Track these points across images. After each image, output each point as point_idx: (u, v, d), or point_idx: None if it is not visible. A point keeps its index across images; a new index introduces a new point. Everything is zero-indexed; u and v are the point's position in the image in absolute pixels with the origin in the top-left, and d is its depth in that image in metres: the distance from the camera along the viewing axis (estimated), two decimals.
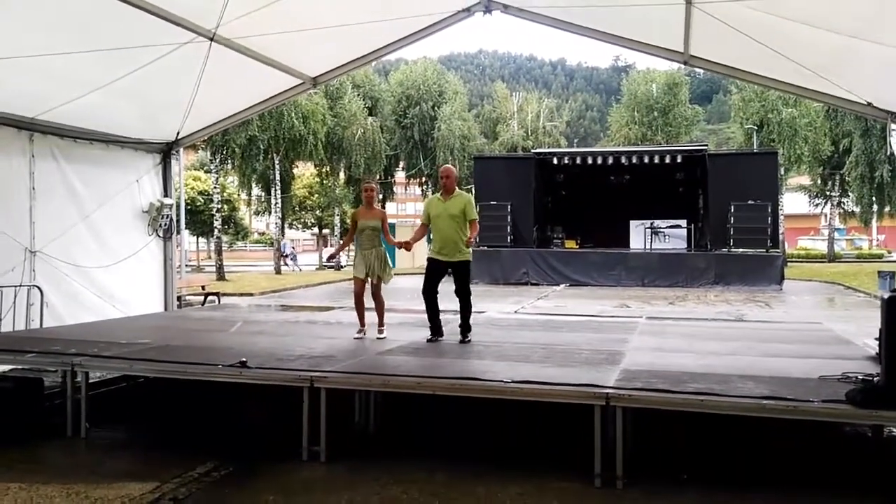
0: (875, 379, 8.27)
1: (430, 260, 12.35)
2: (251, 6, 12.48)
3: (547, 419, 10.10)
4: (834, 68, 12.79)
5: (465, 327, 12.37)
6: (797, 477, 8.66)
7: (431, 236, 12.49)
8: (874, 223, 72.09)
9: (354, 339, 12.53)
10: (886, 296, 7.97)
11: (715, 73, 18.78)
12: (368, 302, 12.80)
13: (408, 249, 12.51)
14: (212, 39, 13.27)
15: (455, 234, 12.07)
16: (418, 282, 12.33)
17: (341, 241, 14.43)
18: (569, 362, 10.42)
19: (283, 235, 59.90)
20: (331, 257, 18.45)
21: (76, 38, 12.19)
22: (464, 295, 12.31)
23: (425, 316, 12.36)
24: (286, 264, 61.69)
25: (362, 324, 12.85)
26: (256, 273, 56.23)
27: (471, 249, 12.34)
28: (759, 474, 8.74)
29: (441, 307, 12.37)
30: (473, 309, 12.54)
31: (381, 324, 12.83)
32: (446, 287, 12.13)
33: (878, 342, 9.20)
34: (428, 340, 12.21)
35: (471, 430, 10.48)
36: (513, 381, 8.91)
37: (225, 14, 12.34)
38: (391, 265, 13.06)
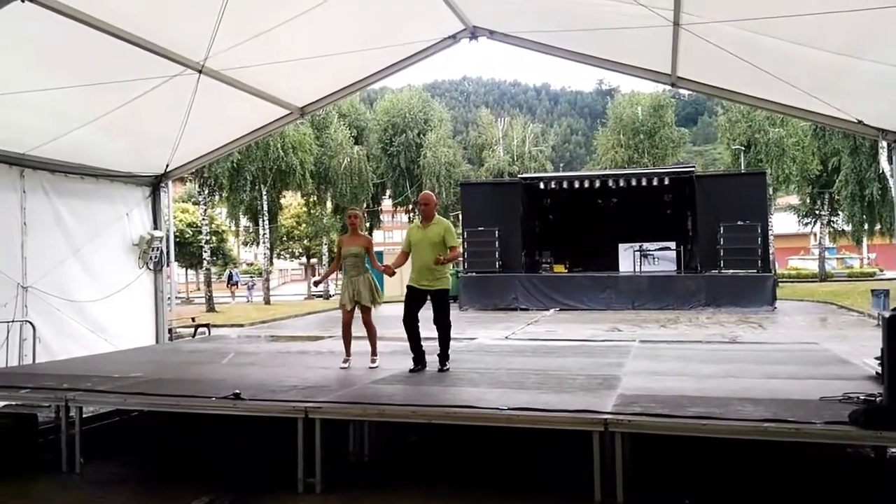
0: (878, 399, 8.24)
1: (408, 288, 12.29)
2: (239, 38, 12.50)
3: (544, 446, 10.03)
4: (824, 86, 12.79)
5: (444, 356, 12.24)
6: (799, 499, 8.61)
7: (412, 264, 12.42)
8: (865, 241, 72.16)
9: (340, 368, 12.45)
10: (888, 315, 7.92)
11: (702, 94, 18.81)
12: (357, 331, 12.74)
13: (390, 274, 12.46)
14: (200, 71, 13.27)
15: (433, 262, 12.00)
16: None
17: (328, 269, 14.36)
18: (564, 388, 10.38)
19: (267, 265, 59.59)
20: (316, 283, 18.27)
21: (65, 73, 12.20)
22: (442, 324, 12.21)
23: None
24: (233, 295, 61.10)
25: (348, 353, 12.76)
26: (245, 303, 56.16)
27: (449, 277, 12.30)
28: (761, 497, 8.69)
29: (423, 335, 12.27)
30: (464, 335, 12.48)
31: (373, 353, 12.73)
32: (427, 314, 12.08)
33: (878, 361, 9.17)
34: (411, 371, 12.04)
35: (467, 458, 10.40)
36: (508, 409, 8.86)
37: (213, 46, 12.33)
38: (380, 290, 13.01)
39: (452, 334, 12.31)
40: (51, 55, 11.74)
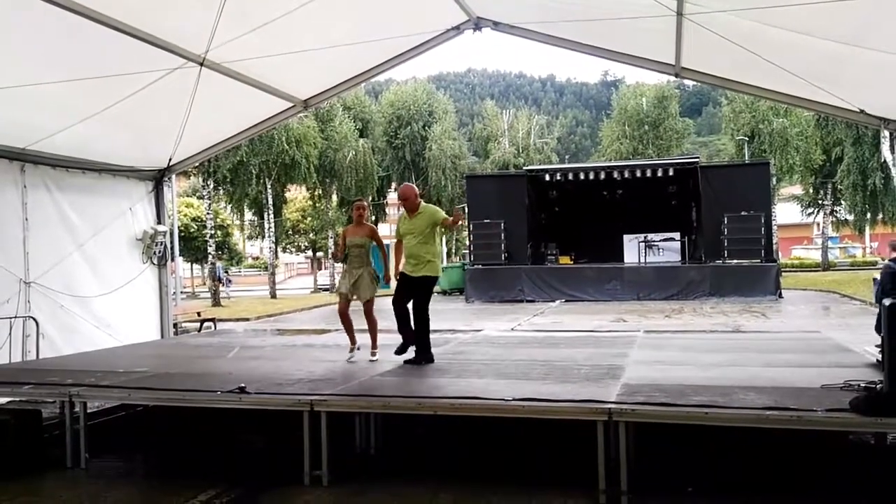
0: (878, 386, 8.24)
1: (400, 275, 12.27)
2: (240, 30, 12.47)
3: (549, 436, 10.05)
4: (826, 76, 12.77)
5: (420, 346, 12.12)
6: (802, 487, 8.63)
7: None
8: (867, 231, 72.13)
9: (348, 361, 12.37)
10: (888, 303, 7.93)
11: (706, 85, 18.79)
12: (358, 324, 12.68)
13: (387, 281, 12.48)
14: (202, 64, 13.25)
15: (420, 249, 12.01)
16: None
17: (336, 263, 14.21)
18: (569, 378, 10.38)
19: (272, 259, 59.30)
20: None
21: (65, 66, 12.17)
22: (418, 310, 12.07)
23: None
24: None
25: (353, 341, 12.67)
26: (251, 297, 56.16)
27: (436, 264, 12.23)
28: (765, 485, 8.70)
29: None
30: (471, 326, 12.41)
31: (374, 346, 12.58)
32: (435, 307, 12.05)
33: (879, 349, 9.17)
34: (396, 352, 12.08)
35: (473, 449, 10.42)
36: (514, 399, 8.86)
37: (214, 38, 12.32)
38: (380, 281, 12.89)
39: (459, 325, 12.31)
40: (50, 48, 11.69)
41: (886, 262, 18.40)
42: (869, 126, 16.67)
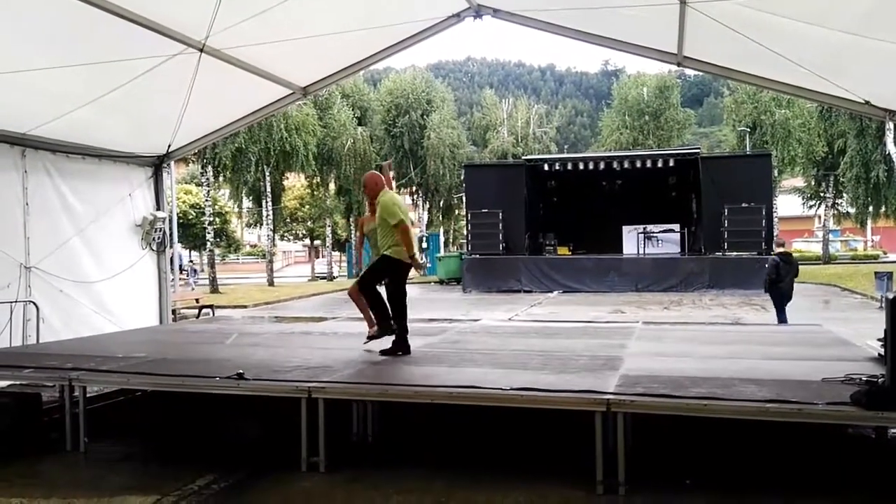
0: (880, 380, 8.21)
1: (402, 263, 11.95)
2: (240, 16, 12.41)
3: (547, 426, 10.03)
4: (831, 67, 12.69)
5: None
6: (801, 480, 8.61)
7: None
8: (869, 224, 72.08)
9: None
10: (891, 296, 7.91)
11: (709, 74, 18.68)
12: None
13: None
14: (201, 51, 13.20)
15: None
16: (413, 291, 12.14)
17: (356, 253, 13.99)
18: (567, 369, 10.33)
19: (270, 247, 59.26)
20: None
21: (65, 52, 12.13)
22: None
23: (423, 325, 12.14)
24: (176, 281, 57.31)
25: (371, 324, 12.37)
26: (249, 285, 56.16)
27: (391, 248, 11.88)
28: (763, 478, 8.69)
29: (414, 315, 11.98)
30: (468, 316, 12.33)
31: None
32: (433, 296, 12.00)
33: (881, 343, 9.16)
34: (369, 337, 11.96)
35: (470, 438, 10.41)
36: (511, 389, 8.83)
37: (214, 25, 12.27)
38: None
39: (457, 315, 12.25)
40: (50, 34, 11.64)
41: (772, 255, 19.55)
42: (873, 118, 16.61)
